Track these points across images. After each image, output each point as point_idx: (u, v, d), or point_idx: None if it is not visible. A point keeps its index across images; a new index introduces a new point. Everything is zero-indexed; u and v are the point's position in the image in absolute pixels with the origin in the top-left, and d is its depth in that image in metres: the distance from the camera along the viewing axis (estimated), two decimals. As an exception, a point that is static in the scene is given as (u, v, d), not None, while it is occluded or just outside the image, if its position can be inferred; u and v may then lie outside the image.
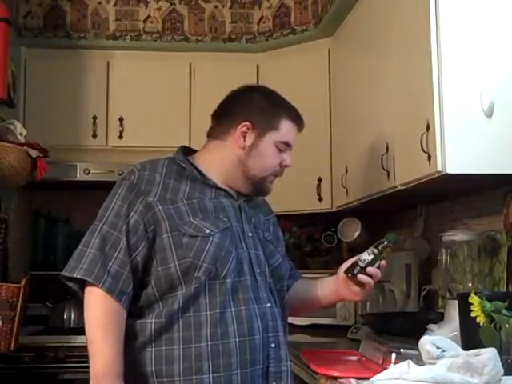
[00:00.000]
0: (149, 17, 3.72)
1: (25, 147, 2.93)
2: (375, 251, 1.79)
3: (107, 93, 3.62)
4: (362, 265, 1.78)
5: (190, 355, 1.62)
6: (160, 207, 1.68)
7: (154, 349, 1.64)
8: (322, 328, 3.08)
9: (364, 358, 1.99)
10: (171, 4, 3.75)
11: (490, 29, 2.00)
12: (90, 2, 3.69)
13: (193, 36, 3.74)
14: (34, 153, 2.95)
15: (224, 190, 1.80)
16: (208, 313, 1.64)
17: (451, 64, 2.00)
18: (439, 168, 1.98)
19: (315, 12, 3.50)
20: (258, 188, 1.85)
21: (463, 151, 1.97)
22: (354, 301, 1.91)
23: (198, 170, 1.80)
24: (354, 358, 2.06)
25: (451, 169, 1.97)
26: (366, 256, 1.79)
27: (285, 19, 3.64)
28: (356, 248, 3.34)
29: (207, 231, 1.67)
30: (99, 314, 1.62)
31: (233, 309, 1.67)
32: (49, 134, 3.34)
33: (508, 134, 1.97)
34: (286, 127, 1.84)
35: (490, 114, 1.96)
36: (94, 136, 3.59)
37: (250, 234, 1.78)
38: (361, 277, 1.78)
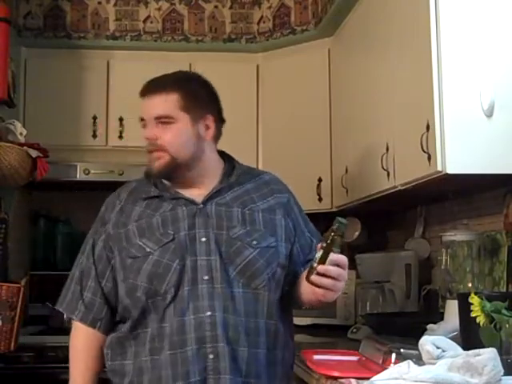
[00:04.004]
0: (149, 17, 3.72)
1: (25, 147, 2.93)
2: (323, 245, 1.60)
3: (107, 93, 3.62)
4: (314, 265, 1.60)
5: (135, 369, 1.70)
6: (112, 232, 1.77)
7: (110, 362, 1.76)
8: (322, 328, 3.08)
9: (364, 358, 1.99)
10: (171, 4, 3.75)
11: (490, 29, 2.01)
12: (90, 2, 3.69)
13: (193, 36, 3.74)
14: (34, 153, 2.95)
15: (184, 199, 1.77)
16: (149, 329, 1.70)
17: (451, 64, 2.00)
18: (439, 168, 1.98)
19: (315, 12, 3.50)
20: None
21: (463, 151, 1.97)
22: (327, 301, 1.70)
23: (159, 184, 1.81)
24: (354, 358, 2.06)
25: (451, 169, 1.97)
26: (318, 254, 1.61)
27: (285, 19, 3.64)
28: (356, 248, 3.35)
29: (148, 250, 1.71)
30: (75, 342, 1.81)
31: (167, 323, 1.67)
32: (49, 134, 3.34)
33: (508, 134, 1.97)
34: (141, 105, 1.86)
35: (490, 113, 1.97)
36: (94, 136, 3.59)
37: (204, 239, 1.71)
38: (313, 278, 1.60)
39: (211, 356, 1.63)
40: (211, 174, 1.82)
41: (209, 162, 1.82)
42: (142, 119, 1.83)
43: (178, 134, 1.77)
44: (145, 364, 1.68)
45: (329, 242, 1.59)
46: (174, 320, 1.66)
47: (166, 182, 1.82)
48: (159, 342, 1.67)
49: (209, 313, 1.65)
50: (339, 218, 1.62)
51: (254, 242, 1.74)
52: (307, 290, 1.70)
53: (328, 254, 1.59)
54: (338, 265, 1.60)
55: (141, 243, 1.72)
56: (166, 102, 1.79)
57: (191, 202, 1.77)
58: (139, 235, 1.73)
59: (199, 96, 1.82)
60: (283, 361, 1.77)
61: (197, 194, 1.79)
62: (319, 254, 1.60)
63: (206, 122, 1.81)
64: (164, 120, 1.77)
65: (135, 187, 1.85)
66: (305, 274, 1.67)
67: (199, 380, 1.63)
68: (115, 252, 1.75)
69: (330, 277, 1.59)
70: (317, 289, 1.62)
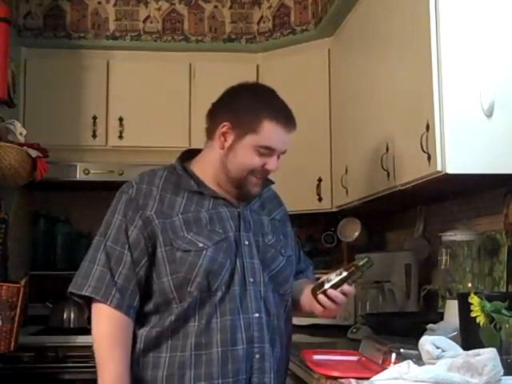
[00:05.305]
0: (149, 17, 3.73)
1: (25, 147, 2.93)
2: (344, 274, 1.70)
3: (107, 93, 3.62)
4: (326, 286, 1.70)
5: (174, 363, 1.67)
6: (157, 221, 1.70)
7: (141, 354, 1.70)
8: (322, 328, 3.08)
9: (364, 358, 1.99)
10: (171, 4, 3.75)
11: (489, 29, 2.01)
12: (90, 2, 3.69)
13: (193, 36, 3.74)
14: (34, 153, 2.95)
15: (223, 199, 1.78)
16: (195, 324, 1.67)
17: (451, 64, 2.00)
18: (439, 168, 1.98)
19: (315, 12, 3.50)
20: (241, 191, 1.79)
21: (463, 151, 1.97)
22: (324, 317, 1.85)
23: (195, 179, 1.78)
24: (354, 358, 2.06)
25: (451, 169, 1.97)
26: (333, 277, 1.70)
27: (285, 19, 3.64)
28: (356, 248, 3.35)
29: (200, 245, 1.68)
30: (107, 331, 1.67)
31: (218, 319, 1.67)
32: (49, 134, 3.35)
33: (508, 134, 1.97)
34: (267, 130, 1.72)
35: (490, 113, 1.97)
36: (94, 136, 3.59)
37: (247, 243, 1.75)
38: (320, 297, 1.72)
39: (257, 356, 1.69)
40: None
41: None
42: (270, 149, 1.74)
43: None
44: (188, 359, 1.65)
45: (349, 273, 1.70)
46: (225, 318, 1.67)
47: (201, 176, 1.79)
48: (206, 338, 1.66)
49: (257, 314, 1.71)
50: (369, 259, 1.73)
51: (283, 251, 1.83)
52: (305, 301, 1.83)
53: (344, 283, 1.69)
54: (345, 294, 1.72)
55: (190, 237, 1.68)
56: (291, 139, 1.82)
57: (230, 203, 1.78)
58: (187, 229, 1.69)
59: None
60: (289, 360, 1.92)
61: (230, 197, 1.80)
62: (336, 278, 1.70)
63: None
64: (282, 155, 1.81)
65: (168, 176, 1.78)
66: (310, 284, 1.80)
67: (245, 378, 1.68)
68: (159, 243, 1.69)
69: (334, 302, 1.71)
70: (317, 305, 1.74)
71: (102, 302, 1.66)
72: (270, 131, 1.73)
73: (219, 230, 1.72)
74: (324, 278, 1.73)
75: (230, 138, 1.75)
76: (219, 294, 1.68)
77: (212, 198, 1.77)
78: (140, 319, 1.71)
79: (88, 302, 1.70)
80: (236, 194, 1.80)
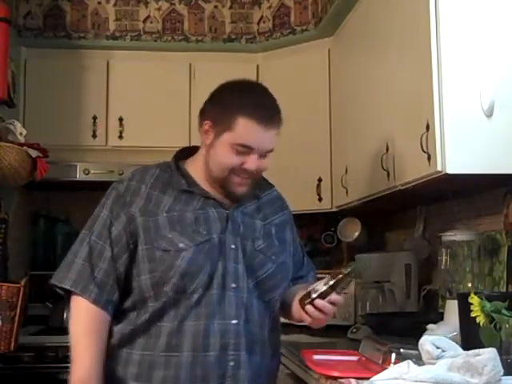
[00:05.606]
0: (149, 17, 3.73)
1: (25, 147, 2.93)
2: (331, 282, 1.62)
3: (107, 93, 3.62)
4: (313, 295, 1.64)
5: (145, 361, 1.66)
6: (140, 219, 1.69)
7: (115, 349, 1.70)
8: (322, 328, 3.08)
9: (364, 358, 1.99)
10: (171, 4, 3.75)
11: (489, 29, 2.00)
12: (90, 2, 3.69)
13: (193, 36, 3.74)
14: (34, 153, 2.95)
15: (213, 199, 1.74)
16: (168, 324, 1.66)
17: (451, 64, 2.00)
18: (439, 168, 1.98)
19: (315, 12, 3.50)
20: (226, 190, 1.74)
21: (463, 151, 1.97)
22: (314, 326, 1.77)
23: (187, 177, 1.76)
24: (354, 358, 2.06)
25: (451, 169, 1.97)
26: (320, 286, 1.64)
27: (285, 19, 3.64)
28: (356, 248, 3.35)
29: (181, 245, 1.65)
30: (84, 323, 1.69)
31: (192, 322, 1.64)
32: (49, 134, 3.35)
33: (508, 134, 1.97)
34: (242, 127, 1.66)
35: (490, 113, 1.96)
36: (94, 136, 3.59)
37: (233, 246, 1.71)
38: (307, 308, 1.66)
39: (232, 363, 1.65)
40: None
41: None
42: (246, 146, 1.67)
43: (269, 163, 1.75)
44: (158, 359, 1.64)
45: (336, 281, 1.62)
46: (199, 322, 1.64)
47: (194, 176, 1.77)
48: (177, 340, 1.64)
49: (235, 321, 1.66)
50: (355, 264, 1.68)
51: (274, 257, 1.76)
52: (295, 309, 1.76)
53: (331, 292, 1.63)
54: (333, 303, 1.65)
55: (171, 236, 1.66)
56: (275, 137, 1.73)
57: (220, 204, 1.74)
58: (170, 228, 1.67)
59: None
60: (275, 369, 1.85)
61: (222, 197, 1.76)
62: (322, 287, 1.63)
63: None
64: (267, 154, 1.72)
65: (160, 174, 1.77)
66: (299, 293, 1.73)
67: None
68: (140, 240, 1.68)
69: (322, 311, 1.65)
70: (305, 315, 1.68)
71: (80, 296, 1.67)
72: (244, 128, 1.66)
73: (203, 231, 1.69)
74: (311, 287, 1.67)
75: (211, 136, 1.72)
76: (195, 296, 1.65)
77: (202, 197, 1.74)
78: (118, 315, 1.71)
79: (69, 294, 1.71)
80: (224, 194, 1.76)
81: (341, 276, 1.62)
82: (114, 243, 1.69)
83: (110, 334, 1.71)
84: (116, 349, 1.70)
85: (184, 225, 1.68)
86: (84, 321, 1.69)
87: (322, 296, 1.63)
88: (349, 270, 1.63)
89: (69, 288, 1.69)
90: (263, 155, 1.71)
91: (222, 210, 1.74)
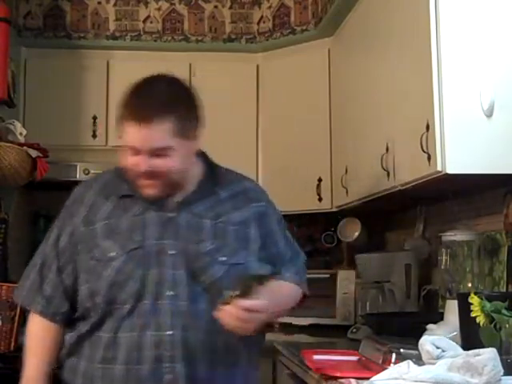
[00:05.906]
0: (149, 17, 3.73)
1: (25, 147, 2.93)
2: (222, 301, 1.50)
3: (107, 93, 3.62)
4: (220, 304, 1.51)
5: (87, 372, 1.65)
6: (81, 229, 1.69)
7: (65, 357, 1.72)
8: (322, 328, 3.08)
9: (364, 358, 1.99)
10: (171, 4, 3.75)
11: (489, 29, 2.00)
12: (90, 2, 3.69)
13: (193, 36, 3.74)
14: (34, 153, 2.95)
15: (155, 202, 1.65)
16: (105, 335, 1.63)
17: (451, 64, 2.00)
18: (439, 168, 1.98)
19: (315, 12, 3.50)
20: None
21: (463, 151, 1.97)
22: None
23: (132, 182, 1.66)
24: (354, 357, 2.06)
25: (451, 169, 1.97)
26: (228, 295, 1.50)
27: (285, 19, 3.64)
28: (356, 248, 3.35)
29: (112, 254, 1.62)
30: (34, 333, 1.75)
31: (127, 334, 1.60)
32: (49, 134, 3.34)
33: (508, 134, 1.97)
34: (126, 130, 1.60)
35: (490, 113, 1.96)
36: (94, 136, 3.59)
37: (173, 252, 1.62)
38: (219, 315, 1.51)
39: (168, 376, 1.58)
40: (190, 179, 1.70)
41: (191, 167, 1.70)
42: (131, 147, 1.60)
43: (178, 162, 1.62)
44: (96, 372, 1.62)
45: (226, 299, 1.50)
46: (132, 333, 1.59)
47: None
48: (113, 352, 1.60)
49: (170, 332, 1.58)
50: (246, 280, 1.53)
51: (223, 259, 1.65)
52: None
53: (227, 304, 1.50)
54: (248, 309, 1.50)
55: (104, 245, 1.63)
56: (164, 133, 1.59)
57: (163, 207, 1.66)
58: (105, 236, 1.64)
59: (191, 114, 1.67)
60: (247, 379, 1.71)
61: (170, 198, 1.68)
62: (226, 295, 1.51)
63: (196, 133, 1.67)
64: (160, 152, 1.60)
65: (108, 181, 1.74)
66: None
67: None
68: (79, 250, 1.67)
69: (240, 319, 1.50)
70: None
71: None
72: (127, 130, 1.60)
73: (136, 238, 1.62)
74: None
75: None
76: (127, 306, 1.60)
77: (144, 202, 1.66)
78: (70, 324, 1.72)
79: None
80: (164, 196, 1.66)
81: (228, 295, 1.50)
82: (60, 255, 1.71)
83: (63, 342, 1.73)
84: (66, 357, 1.72)
85: (118, 232, 1.64)
86: (34, 330, 1.75)
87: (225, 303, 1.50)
88: (237, 291, 1.50)
89: (21, 304, 1.81)
90: (156, 154, 1.59)
91: (164, 214, 1.66)
